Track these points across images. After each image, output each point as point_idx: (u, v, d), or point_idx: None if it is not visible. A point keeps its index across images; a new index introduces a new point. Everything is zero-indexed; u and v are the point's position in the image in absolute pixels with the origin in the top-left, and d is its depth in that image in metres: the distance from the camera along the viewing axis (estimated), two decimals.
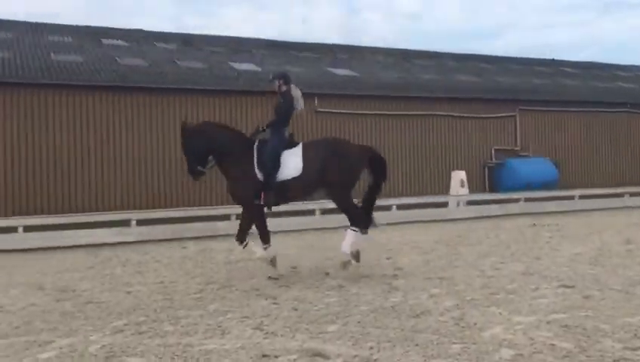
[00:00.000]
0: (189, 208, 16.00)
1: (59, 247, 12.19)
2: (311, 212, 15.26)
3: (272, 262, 7.54)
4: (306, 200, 8.46)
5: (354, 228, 7.37)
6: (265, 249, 7.55)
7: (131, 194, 18.07)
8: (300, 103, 7.80)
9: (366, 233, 7.51)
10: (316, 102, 21.07)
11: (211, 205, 17.34)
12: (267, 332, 4.86)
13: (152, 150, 18.59)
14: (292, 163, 7.31)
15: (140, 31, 27.37)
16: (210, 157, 7.62)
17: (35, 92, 17.41)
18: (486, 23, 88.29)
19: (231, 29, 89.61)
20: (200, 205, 17.57)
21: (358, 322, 5.10)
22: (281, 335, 4.76)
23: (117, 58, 21.63)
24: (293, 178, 7.29)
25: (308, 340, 4.59)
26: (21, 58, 19.37)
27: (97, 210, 16.71)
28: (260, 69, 23.41)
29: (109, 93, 18.41)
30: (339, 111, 21.43)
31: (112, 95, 18.46)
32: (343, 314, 5.38)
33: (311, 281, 7.19)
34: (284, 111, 7.70)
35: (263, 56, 26.08)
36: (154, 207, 17.12)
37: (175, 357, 4.30)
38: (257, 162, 7.33)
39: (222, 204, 17.50)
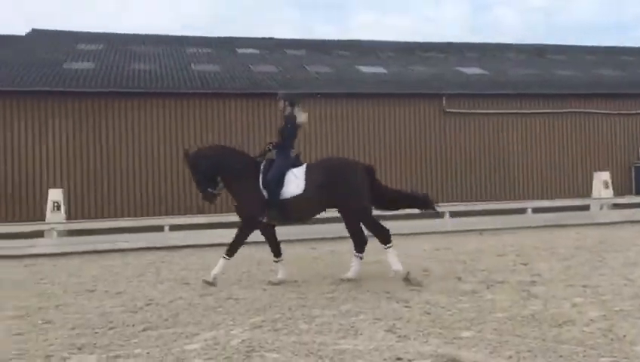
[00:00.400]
0: None
1: (198, 245, 12.96)
2: (441, 214, 14.97)
3: (214, 280, 7.55)
4: (312, 218, 8.34)
5: (388, 246, 7.42)
6: (224, 258, 7.66)
7: None
8: (302, 120, 7.91)
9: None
10: (444, 102, 20.67)
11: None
12: (400, 336, 4.82)
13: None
14: (295, 182, 7.42)
15: (271, 39, 28.47)
16: (219, 179, 7.80)
17: (178, 100, 18.75)
18: (626, 14, 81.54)
19: (358, 33, 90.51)
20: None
21: (495, 329, 4.92)
22: (414, 339, 4.71)
23: (250, 66, 22.68)
24: (295, 196, 7.37)
25: (442, 345, 4.50)
26: (165, 69, 20.93)
27: (232, 211, 17.62)
28: (386, 71, 23.40)
29: (243, 99, 19.37)
30: (468, 111, 20.85)
31: (247, 101, 19.39)
32: (477, 321, 5.21)
33: (442, 285, 7.04)
34: (288, 134, 7.82)
35: (389, 59, 26.05)
36: None
37: (310, 354, 4.40)
38: (262, 180, 7.49)
39: None
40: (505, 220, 15.40)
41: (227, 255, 7.73)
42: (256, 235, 13.15)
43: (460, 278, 7.52)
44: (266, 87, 20.05)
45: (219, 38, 27.77)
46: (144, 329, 5.31)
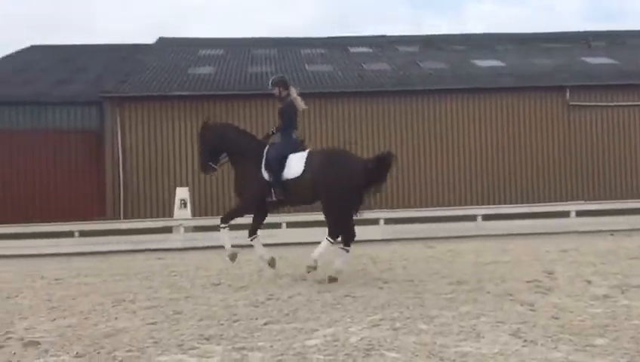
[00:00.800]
0: (437, 208, 16.12)
1: (315, 242, 13.09)
2: (566, 213, 14.19)
3: (232, 257, 8.13)
4: (310, 203, 8.30)
5: (329, 239, 7.61)
6: (222, 228, 8.06)
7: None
8: (299, 104, 8.03)
9: (346, 249, 7.76)
10: (568, 95, 19.56)
11: (457, 205, 17.28)
12: (526, 340, 4.60)
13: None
14: (295, 165, 7.68)
15: (383, 37, 28.39)
16: (223, 155, 8.12)
17: None
18: None
19: (473, 26, 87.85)
20: (447, 205, 17.60)
21: (632, 337, 4.55)
22: (542, 345, 4.47)
23: (363, 64, 22.75)
24: (292, 179, 7.65)
25: (573, 352, 4.24)
26: (280, 71, 21.51)
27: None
28: (504, 64, 22.53)
29: (356, 97, 19.47)
30: (595, 103, 19.55)
31: (360, 99, 19.47)
32: (612, 328, 4.86)
33: (570, 289, 6.64)
34: (288, 116, 8.01)
35: (506, 51, 25.05)
36: (401, 207, 17.66)
37: (431, 356, 4.31)
38: (265, 163, 7.78)
39: (466, 204, 17.30)
40: None
41: (222, 222, 8.11)
42: (370, 233, 13.13)
43: (589, 281, 7.06)
44: (379, 85, 20.03)
45: (332, 38, 28.14)
46: (266, 323, 5.47)
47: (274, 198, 7.88)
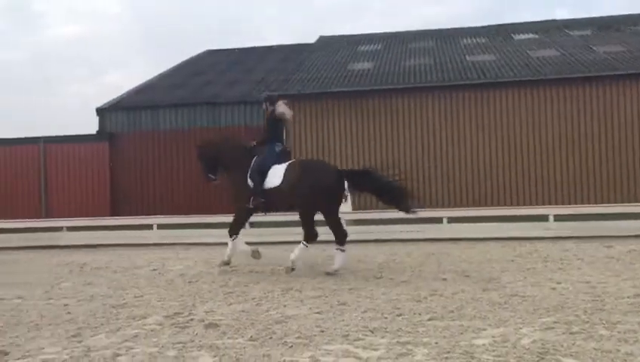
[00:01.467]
0: (615, 204, 14.81)
1: (479, 239, 12.66)
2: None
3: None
4: (290, 210, 8.97)
5: (304, 243, 8.27)
6: (232, 239, 8.80)
7: (542, 188, 17.81)
8: (286, 115, 8.85)
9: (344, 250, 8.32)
10: None
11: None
12: None
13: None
14: (277, 175, 8.37)
15: (552, 21, 26.67)
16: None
17: (454, 93, 18.77)
18: None
19: None
20: (630, 201, 16.13)
21: None
22: None
23: (528, 52, 21.53)
24: (273, 188, 8.35)
25: None
26: (440, 63, 21.09)
27: (511, 204, 17.01)
28: None
29: (521, 88, 18.49)
30: None
31: (525, 89, 18.46)
32: None
33: None
34: (268, 129, 8.87)
35: None
36: (570, 202, 16.51)
37: None
38: (250, 173, 8.57)
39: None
40: None
41: (230, 234, 8.85)
42: (537, 230, 12.36)
43: None
44: (546, 73, 18.82)
45: (493, 26, 27.01)
46: (430, 319, 5.39)
47: (251, 205, 8.62)
